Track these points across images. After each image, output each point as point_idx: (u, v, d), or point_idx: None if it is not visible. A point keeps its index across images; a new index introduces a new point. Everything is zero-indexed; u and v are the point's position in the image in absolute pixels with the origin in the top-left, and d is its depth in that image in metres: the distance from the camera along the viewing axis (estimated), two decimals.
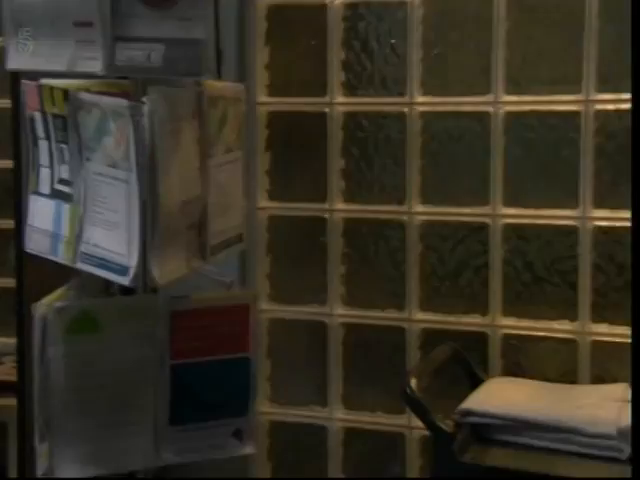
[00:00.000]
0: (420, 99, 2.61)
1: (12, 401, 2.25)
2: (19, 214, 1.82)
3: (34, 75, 1.70)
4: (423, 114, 2.61)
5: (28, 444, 1.86)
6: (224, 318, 1.70)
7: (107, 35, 1.57)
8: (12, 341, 2.29)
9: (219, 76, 1.83)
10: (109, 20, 1.57)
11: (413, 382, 2.20)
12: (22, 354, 2.14)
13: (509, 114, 2.52)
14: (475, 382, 2.46)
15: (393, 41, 2.63)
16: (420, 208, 2.62)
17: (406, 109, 2.61)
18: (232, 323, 1.70)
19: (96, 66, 1.57)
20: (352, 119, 2.68)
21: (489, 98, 2.52)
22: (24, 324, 2.08)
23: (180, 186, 1.60)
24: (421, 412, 2.18)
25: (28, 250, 1.77)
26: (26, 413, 2.14)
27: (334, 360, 2.72)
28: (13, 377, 2.27)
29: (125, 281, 1.56)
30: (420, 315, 2.64)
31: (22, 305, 2.00)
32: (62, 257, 1.69)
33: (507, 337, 2.56)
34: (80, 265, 1.65)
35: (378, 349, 2.70)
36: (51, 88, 1.64)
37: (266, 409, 2.80)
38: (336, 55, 2.65)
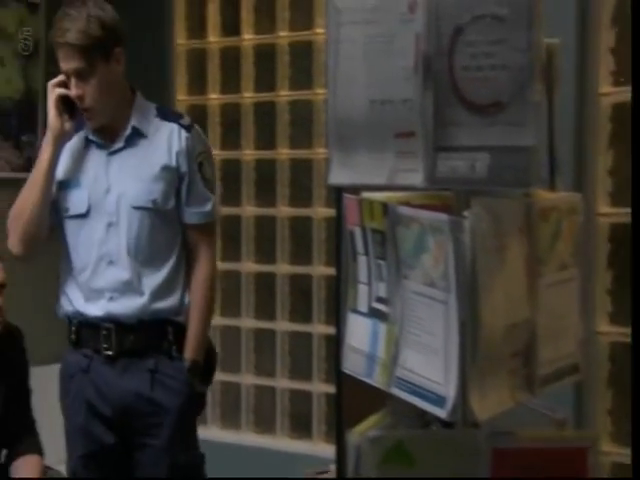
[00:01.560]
0: None
1: None
2: (338, 330, 1.76)
3: (357, 188, 1.65)
4: None
5: None
6: (555, 461, 1.48)
7: (429, 145, 1.47)
8: None
9: (553, 186, 1.64)
10: (431, 129, 1.46)
11: None
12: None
13: None
14: None
15: None
16: None
17: None
18: (564, 468, 1.47)
19: (416, 178, 1.48)
20: None
21: None
22: (341, 444, 2.00)
23: (505, 308, 1.44)
24: None
25: (344, 370, 1.69)
26: None
27: None
28: None
29: (442, 413, 1.42)
30: None
31: (341, 424, 1.92)
32: (377, 380, 1.59)
33: None
34: (394, 391, 1.54)
35: None
36: (371, 202, 1.57)
37: None
38: None
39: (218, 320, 3.83)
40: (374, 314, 1.62)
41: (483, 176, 1.41)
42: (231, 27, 3.81)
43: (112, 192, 2.33)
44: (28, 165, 3.82)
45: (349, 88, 1.56)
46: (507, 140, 1.40)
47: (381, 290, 1.60)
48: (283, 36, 3.69)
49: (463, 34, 1.43)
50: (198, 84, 3.89)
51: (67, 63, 2.23)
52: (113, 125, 2.34)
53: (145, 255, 2.31)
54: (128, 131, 2.34)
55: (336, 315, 1.77)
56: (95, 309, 2.38)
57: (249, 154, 3.77)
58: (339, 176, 1.58)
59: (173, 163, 2.34)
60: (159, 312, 2.32)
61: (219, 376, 3.80)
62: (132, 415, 2.37)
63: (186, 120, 2.46)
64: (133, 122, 2.36)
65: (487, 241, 1.41)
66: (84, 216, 2.36)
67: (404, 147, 1.49)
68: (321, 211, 3.54)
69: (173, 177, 2.33)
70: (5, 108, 3.68)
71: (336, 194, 1.73)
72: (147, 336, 2.32)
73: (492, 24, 1.41)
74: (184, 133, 2.38)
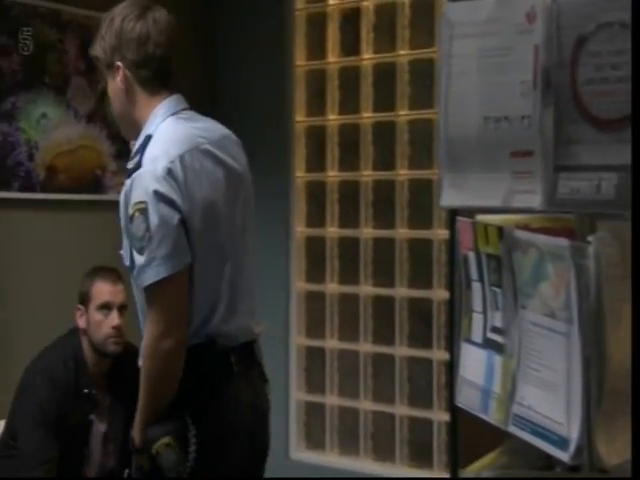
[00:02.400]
0: None
1: None
2: (451, 361, 1.66)
3: (471, 211, 1.55)
4: None
5: None
6: None
7: (548, 165, 1.36)
8: None
9: None
10: (551, 148, 1.36)
11: None
12: None
13: None
14: None
15: None
16: None
17: None
18: None
19: (534, 200, 1.37)
20: None
21: None
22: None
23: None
24: None
25: (457, 404, 1.60)
26: None
27: None
28: None
29: (564, 456, 1.31)
30: None
31: (455, 460, 1.81)
32: (493, 417, 1.49)
33: None
34: (512, 429, 1.44)
35: None
36: (485, 225, 1.47)
37: None
38: None
39: (336, 344, 3.77)
40: (489, 345, 1.52)
41: (609, 198, 1.30)
42: (350, 47, 3.77)
43: None
44: None
45: (462, 105, 1.47)
46: None
47: (497, 320, 1.49)
48: (403, 54, 3.62)
49: (587, 44, 1.32)
50: (317, 105, 3.86)
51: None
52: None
53: (139, 309, 2.11)
54: None
55: (450, 344, 1.67)
56: None
57: (367, 175, 3.71)
58: (451, 198, 1.49)
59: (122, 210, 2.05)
60: None
61: (338, 401, 3.75)
62: None
63: (144, 159, 2.00)
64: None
65: (613, 268, 1.29)
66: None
67: (521, 167, 1.39)
68: (441, 233, 3.43)
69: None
70: None
71: (450, 217, 1.63)
72: None
73: (619, 32, 1.29)
74: (128, 180, 2.03)
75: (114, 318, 2.82)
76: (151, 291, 1.98)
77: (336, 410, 3.75)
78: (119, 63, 2.07)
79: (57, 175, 3.46)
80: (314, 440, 3.83)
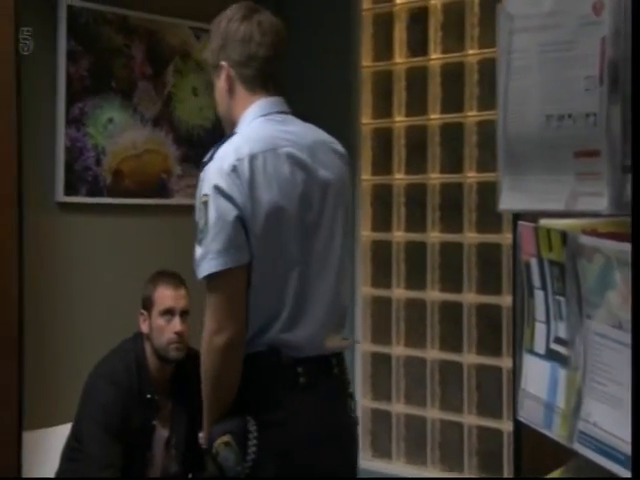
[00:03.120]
0: None
1: None
2: (514, 373, 1.58)
3: (534, 215, 1.47)
4: None
5: None
6: None
7: (616, 165, 1.27)
8: None
9: None
10: (619, 147, 1.27)
11: None
12: None
13: None
14: None
15: None
16: None
17: None
18: None
19: (601, 203, 1.28)
20: None
21: None
22: None
23: None
24: None
25: (519, 418, 1.52)
26: None
27: None
28: None
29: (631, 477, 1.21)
30: None
31: (519, 473, 1.73)
32: (556, 433, 1.40)
33: None
34: (577, 447, 1.35)
35: None
36: (548, 230, 1.39)
37: None
38: None
39: (402, 350, 3.69)
40: (553, 357, 1.43)
41: None
42: (418, 47, 3.69)
43: None
44: None
45: (522, 103, 1.39)
46: None
47: (560, 330, 1.41)
48: (472, 54, 3.53)
49: None
50: (383, 107, 3.79)
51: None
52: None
53: None
54: None
55: (513, 355, 1.59)
56: None
57: (435, 178, 3.62)
58: (511, 201, 1.41)
59: None
60: None
61: (404, 409, 3.67)
62: None
63: (216, 154, 2.02)
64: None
65: None
66: None
67: (586, 168, 1.30)
68: (511, 237, 3.33)
69: None
70: (198, 137, 3.75)
71: (514, 221, 1.55)
72: None
73: None
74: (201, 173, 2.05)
75: (176, 324, 2.81)
76: (207, 285, 1.99)
77: (402, 418, 3.67)
78: (223, 63, 2.12)
79: (123, 179, 3.48)
80: (380, 448, 3.76)
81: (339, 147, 2.18)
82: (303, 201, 2.02)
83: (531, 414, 1.48)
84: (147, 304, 2.85)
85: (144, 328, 2.84)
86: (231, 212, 1.93)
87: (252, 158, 1.98)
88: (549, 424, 1.42)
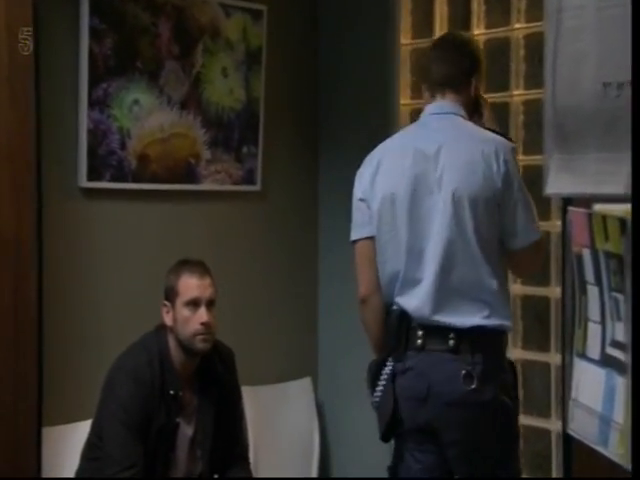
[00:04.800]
0: None
1: None
2: (563, 380, 1.39)
3: (587, 200, 1.28)
4: None
5: None
6: None
7: None
8: None
9: None
10: None
11: None
12: None
13: None
14: None
15: None
16: None
17: None
18: None
19: None
20: None
21: None
22: None
23: None
24: None
25: (569, 432, 1.33)
26: None
27: None
28: None
29: None
30: None
31: None
32: (613, 451, 1.22)
33: None
34: (628, 467, 1.16)
35: None
36: (604, 217, 1.19)
37: None
38: None
39: None
40: (609, 363, 1.24)
41: None
42: (460, 22, 3.48)
43: None
44: (249, 177, 3.72)
45: (575, 70, 1.20)
46: None
47: (618, 332, 1.22)
48: (518, 28, 3.31)
49: None
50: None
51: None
52: None
53: None
54: None
55: (562, 358, 1.40)
56: None
57: None
58: (560, 184, 1.22)
59: None
60: None
61: None
62: None
63: None
64: None
65: None
66: None
67: None
68: (559, 225, 3.11)
69: None
70: (228, 120, 3.58)
71: (563, 206, 1.36)
72: None
73: None
74: None
75: (202, 314, 2.66)
76: None
77: None
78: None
79: (149, 164, 3.32)
80: None
81: (488, 145, 2.43)
82: (421, 190, 2.40)
83: (583, 428, 1.30)
84: (170, 295, 2.70)
85: (168, 320, 2.70)
86: (357, 193, 2.54)
87: (385, 149, 2.56)
88: (605, 440, 1.24)
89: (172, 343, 2.68)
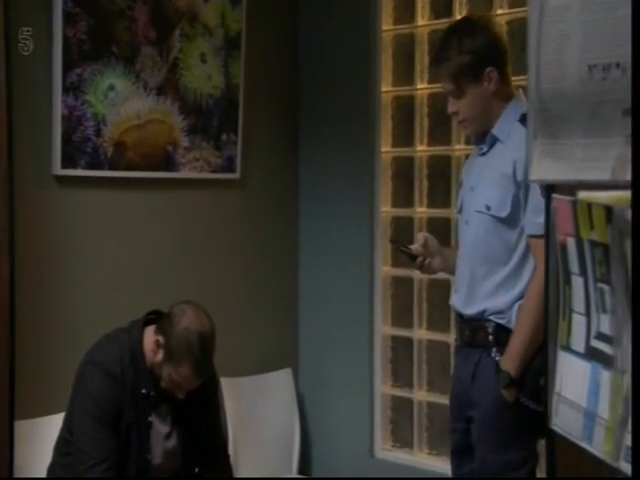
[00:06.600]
0: None
1: None
2: (546, 374, 1.35)
3: (571, 187, 1.23)
4: None
5: None
6: None
7: None
8: None
9: None
10: None
11: None
12: None
13: None
14: None
15: None
16: None
17: None
18: None
19: None
20: None
21: None
22: None
23: None
24: None
25: (553, 427, 1.29)
26: None
27: None
28: None
29: None
30: None
31: None
32: (599, 448, 1.18)
33: None
34: (623, 465, 1.13)
35: None
36: (589, 205, 1.15)
37: None
38: None
39: (424, 334, 3.48)
40: (594, 356, 1.20)
41: None
42: (442, 8, 3.43)
43: (472, 192, 2.54)
44: (228, 165, 3.66)
45: (559, 51, 1.15)
46: None
47: (604, 324, 1.18)
48: (501, 14, 3.26)
49: None
50: (404, 73, 3.54)
51: (443, 87, 2.57)
52: (485, 132, 2.53)
53: (479, 256, 2.47)
54: (489, 137, 2.52)
55: (545, 353, 1.36)
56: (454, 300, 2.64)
57: (459, 149, 3.36)
58: (544, 170, 1.17)
59: (509, 171, 2.41)
60: (484, 311, 2.47)
61: (426, 397, 3.47)
62: (456, 402, 2.59)
63: None
64: (494, 129, 2.50)
65: None
66: (459, 212, 2.64)
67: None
68: None
69: (510, 184, 2.42)
70: (206, 106, 3.52)
71: (546, 194, 1.31)
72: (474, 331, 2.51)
73: None
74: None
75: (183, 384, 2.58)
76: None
77: (425, 406, 3.45)
78: (490, 68, 2.49)
79: (126, 151, 3.25)
80: (401, 438, 3.54)
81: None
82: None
83: (568, 424, 1.25)
84: (167, 348, 2.51)
85: (152, 349, 2.57)
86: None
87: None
88: (589, 436, 1.20)
89: (147, 346, 2.60)
